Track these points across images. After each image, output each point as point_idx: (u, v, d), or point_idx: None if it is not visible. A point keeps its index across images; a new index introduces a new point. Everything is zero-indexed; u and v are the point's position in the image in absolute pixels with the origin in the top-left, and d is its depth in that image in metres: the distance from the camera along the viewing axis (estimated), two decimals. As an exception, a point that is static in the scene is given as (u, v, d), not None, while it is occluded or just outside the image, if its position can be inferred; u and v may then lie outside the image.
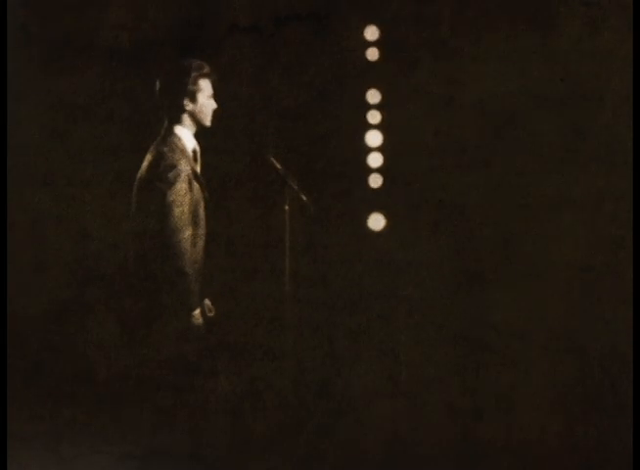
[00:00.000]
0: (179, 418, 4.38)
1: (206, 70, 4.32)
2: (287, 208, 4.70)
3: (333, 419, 4.41)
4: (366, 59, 4.76)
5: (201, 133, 5.08)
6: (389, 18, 4.72)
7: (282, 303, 4.62)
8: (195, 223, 4.33)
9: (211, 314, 4.42)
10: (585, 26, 4.50)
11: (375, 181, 4.74)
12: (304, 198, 4.58)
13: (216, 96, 4.68)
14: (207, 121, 4.42)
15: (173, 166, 4.33)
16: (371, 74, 4.77)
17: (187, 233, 4.26)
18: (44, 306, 4.95)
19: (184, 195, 4.25)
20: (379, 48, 4.76)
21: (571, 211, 4.47)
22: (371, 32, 4.77)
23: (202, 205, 4.43)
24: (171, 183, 4.31)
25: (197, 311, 4.43)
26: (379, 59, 4.76)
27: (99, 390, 4.59)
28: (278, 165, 4.64)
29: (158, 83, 4.49)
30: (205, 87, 4.35)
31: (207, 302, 4.53)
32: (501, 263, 4.53)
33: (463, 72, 4.61)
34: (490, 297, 4.52)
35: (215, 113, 5.10)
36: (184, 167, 4.33)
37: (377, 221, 4.69)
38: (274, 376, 4.46)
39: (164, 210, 4.28)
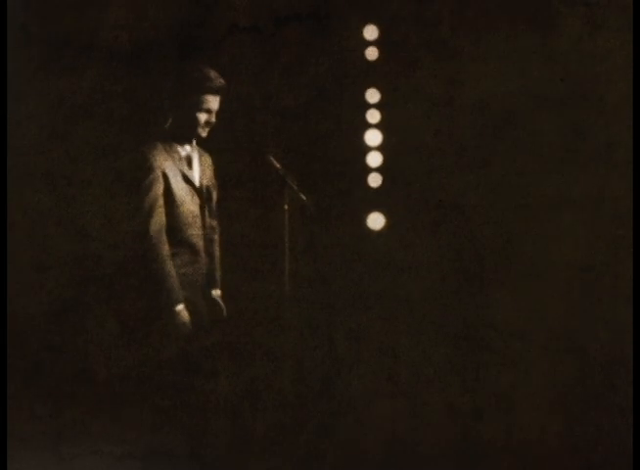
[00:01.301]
0: (179, 418, 4.38)
1: (211, 84, 4.32)
2: (286, 208, 4.69)
3: (333, 419, 4.41)
4: (366, 59, 4.76)
5: (200, 134, 5.08)
6: (389, 18, 4.72)
7: (282, 303, 4.61)
8: (186, 224, 4.32)
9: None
10: (585, 26, 4.50)
11: (374, 181, 4.74)
12: (304, 198, 4.57)
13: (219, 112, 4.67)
14: (202, 133, 4.41)
15: (151, 170, 4.30)
16: (371, 74, 4.78)
17: (161, 231, 4.24)
18: (44, 306, 4.95)
19: (159, 199, 4.21)
20: (378, 48, 4.76)
21: (571, 211, 4.47)
22: (370, 32, 4.77)
23: (196, 207, 4.41)
24: (148, 189, 4.28)
25: (180, 307, 4.41)
26: (379, 59, 4.76)
27: (99, 390, 4.59)
28: (278, 165, 4.64)
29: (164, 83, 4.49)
30: (204, 102, 4.35)
31: (217, 293, 4.51)
32: (501, 263, 4.53)
33: (463, 72, 4.61)
34: (490, 297, 4.52)
35: (215, 113, 5.10)
36: (163, 171, 4.29)
37: (376, 221, 4.69)
38: (274, 376, 4.46)
39: (143, 211, 4.24)
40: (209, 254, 4.49)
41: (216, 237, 4.50)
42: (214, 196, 4.49)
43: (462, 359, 4.47)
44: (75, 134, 5.04)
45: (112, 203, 5.03)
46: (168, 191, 4.26)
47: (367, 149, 4.73)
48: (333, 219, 4.74)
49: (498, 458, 3.99)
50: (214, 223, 4.49)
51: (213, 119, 4.38)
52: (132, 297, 4.98)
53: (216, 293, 4.60)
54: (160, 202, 4.10)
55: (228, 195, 4.95)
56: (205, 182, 4.45)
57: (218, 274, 4.61)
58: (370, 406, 4.40)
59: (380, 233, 4.67)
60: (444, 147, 4.62)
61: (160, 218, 4.12)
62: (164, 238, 4.23)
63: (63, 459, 4.02)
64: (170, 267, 4.23)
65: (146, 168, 4.14)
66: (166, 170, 4.22)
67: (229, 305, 4.82)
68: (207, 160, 4.49)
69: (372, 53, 4.76)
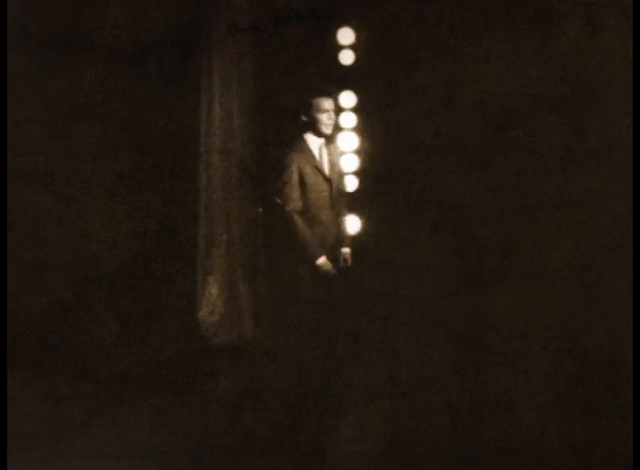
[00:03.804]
0: (179, 418, 4.38)
1: (326, 91, 4.60)
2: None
3: (333, 419, 4.41)
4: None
5: (200, 134, 5.09)
6: (389, 18, 4.72)
7: (282, 303, 4.61)
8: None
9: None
10: (585, 26, 4.50)
11: (351, 184, 4.78)
12: (279, 201, 4.56)
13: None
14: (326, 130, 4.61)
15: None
16: (348, 77, 4.79)
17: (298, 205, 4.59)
18: (44, 306, 4.95)
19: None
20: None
21: (570, 211, 4.47)
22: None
23: (326, 193, 4.65)
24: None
25: (322, 260, 4.53)
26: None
27: (99, 390, 4.59)
28: (255, 172, 4.69)
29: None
30: (319, 104, 4.56)
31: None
32: (501, 263, 4.53)
33: (463, 72, 4.61)
34: (490, 297, 4.52)
35: (215, 113, 5.11)
36: (298, 166, 4.59)
37: (353, 224, 4.70)
38: (274, 376, 4.46)
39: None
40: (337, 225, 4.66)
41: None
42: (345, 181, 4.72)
43: (462, 359, 4.47)
44: (75, 134, 5.04)
45: (112, 203, 5.04)
46: (302, 180, 4.61)
47: (342, 153, 4.75)
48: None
49: (498, 458, 3.99)
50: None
51: (334, 117, 4.63)
52: (132, 297, 4.98)
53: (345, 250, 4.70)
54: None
55: (228, 195, 4.96)
56: (333, 172, 4.67)
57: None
58: (370, 406, 4.40)
59: (358, 236, 4.68)
60: (444, 147, 4.62)
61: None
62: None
63: (63, 459, 4.01)
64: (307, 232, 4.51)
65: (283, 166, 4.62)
66: (303, 168, 4.61)
67: (230, 305, 4.83)
68: (337, 153, 4.69)
69: (347, 56, 4.78)
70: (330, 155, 4.73)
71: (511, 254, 4.52)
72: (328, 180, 4.68)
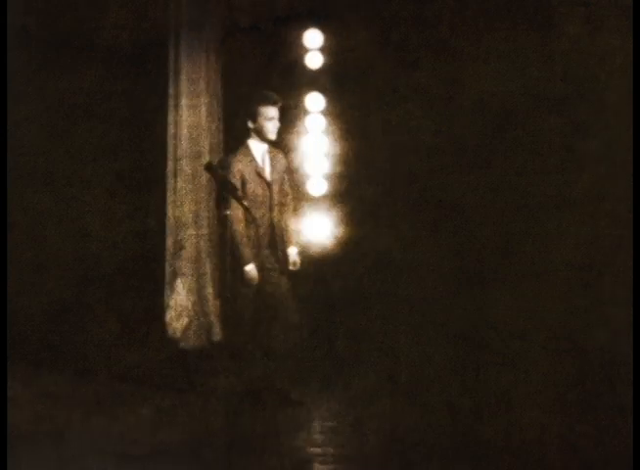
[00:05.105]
0: (179, 418, 4.38)
1: (270, 100, 4.45)
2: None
3: (333, 419, 4.41)
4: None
5: (201, 135, 5.09)
6: (389, 18, 4.73)
7: (282, 303, 4.61)
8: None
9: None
10: (585, 26, 4.50)
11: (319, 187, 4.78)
12: (246, 204, 4.56)
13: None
14: (270, 136, 4.50)
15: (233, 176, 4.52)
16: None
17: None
18: (44, 306, 4.95)
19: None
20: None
21: (570, 211, 4.48)
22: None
23: (265, 193, 4.51)
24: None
25: (249, 266, 4.48)
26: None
27: (99, 390, 4.59)
28: (221, 173, 4.67)
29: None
30: (265, 112, 4.45)
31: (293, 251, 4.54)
32: (501, 263, 4.53)
33: (463, 72, 4.61)
34: (490, 297, 4.52)
35: (215, 113, 5.12)
36: (241, 174, 4.46)
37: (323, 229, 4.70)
38: (274, 376, 4.46)
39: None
40: (278, 226, 4.52)
41: (288, 212, 4.55)
42: (286, 183, 4.56)
43: (462, 359, 4.48)
44: (75, 134, 5.05)
45: (112, 203, 5.04)
46: (244, 186, 4.44)
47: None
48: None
49: (498, 458, 3.99)
50: (285, 200, 4.53)
51: (278, 125, 4.50)
52: (132, 297, 4.99)
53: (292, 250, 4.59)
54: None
55: (196, 198, 4.98)
56: (275, 175, 4.49)
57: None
58: (370, 406, 4.40)
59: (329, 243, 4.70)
60: (444, 147, 4.62)
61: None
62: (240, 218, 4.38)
63: (63, 459, 4.01)
64: (243, 238, 4.38)
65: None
66: (244, 172, 4.45)
67: (230, 305, 4.83)
68: (279, 157, 4.53)
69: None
70: (272, 159, 4.56)
71: (511, 254, 4.52)
72: (268, 184, 4.53)
